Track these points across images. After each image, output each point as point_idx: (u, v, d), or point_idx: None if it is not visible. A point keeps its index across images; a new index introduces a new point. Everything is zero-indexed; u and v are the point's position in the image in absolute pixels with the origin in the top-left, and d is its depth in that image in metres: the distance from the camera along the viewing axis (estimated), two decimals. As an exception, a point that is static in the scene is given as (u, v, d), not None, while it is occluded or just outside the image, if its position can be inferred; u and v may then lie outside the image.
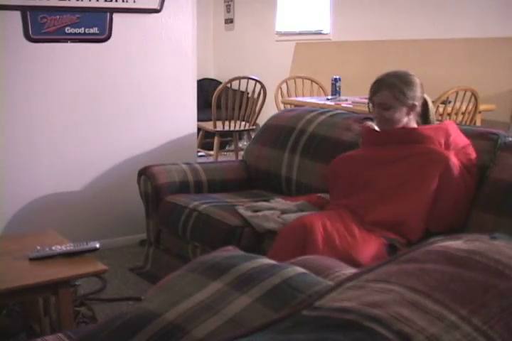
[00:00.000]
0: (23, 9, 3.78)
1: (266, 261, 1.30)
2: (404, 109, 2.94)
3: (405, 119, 2.97)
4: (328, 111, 3.89)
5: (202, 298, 1.19)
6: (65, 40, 3.96)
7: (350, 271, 1.44)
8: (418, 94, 2.96)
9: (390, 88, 2.91)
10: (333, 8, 7.95)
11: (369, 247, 2.68)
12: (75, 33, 3.97)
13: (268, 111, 5.88)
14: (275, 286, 1.19)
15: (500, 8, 6.11)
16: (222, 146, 7.02)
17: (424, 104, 3.06)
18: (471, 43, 6.34)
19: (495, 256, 0.90)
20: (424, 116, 3.07)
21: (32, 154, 3.97)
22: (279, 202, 3.33)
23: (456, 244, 0.96)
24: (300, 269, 1.27)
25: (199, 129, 5.47)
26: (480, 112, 5.42)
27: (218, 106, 6.19)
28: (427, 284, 0.86)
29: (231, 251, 1.45)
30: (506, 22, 6.06)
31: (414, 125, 3.01)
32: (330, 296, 0.93)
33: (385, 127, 3.04)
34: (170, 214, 3.53)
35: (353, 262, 2.53)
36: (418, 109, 3.00)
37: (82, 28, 3.98)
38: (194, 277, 1.29)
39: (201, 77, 8.07)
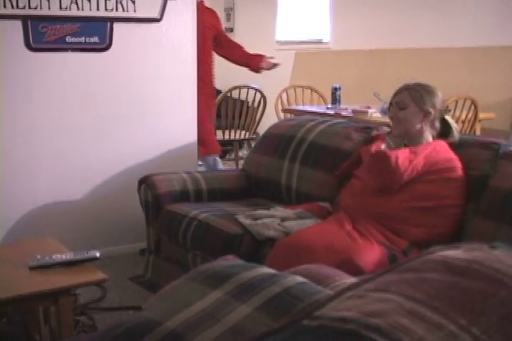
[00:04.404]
0: (24, 18, 3.79)
1: (266, 270, 1.31)
2: (420, 114, 3.02)
3: (418, 126, 3.03)
4: (328, 120, 3.90)
5: (202, 307, 1.20)
6: (66, 50, 3.97)
7: (350, 279, 1.45)
8: (436, 103, 3.04)
9: (410, 90, 3.05)
10: (333, 17, 7.98)
11: (371, 253, 2.69)
12: (76, 42, 3.98)
13: (268, 120, 5.88)
14: (275, 295, 1.19)
15: (499, 17, 6.13)
16: (222, 155, 7.02)
17: (445, 124, 3.11)
18: (470, 52, 6.35)
19: (494, 265, 0.90)
20: (445, 135, 3.10)
21: (32, 162, 3.98)
22: (278, 211, 3.33)
23: (455, 253, 0.96)
24: (300, 278, 1.27)
25: (199, 138, 5.47)
26: (480, 121, 5.43)
27: (218, 115, 6.19)
28: (426, 293, 0.87)
29: (231, 260, 1.45)
30: (505, 31, 6.07)
31: (429, 137, 3.05)
32: (330, 306, 0.94)
33: (396, 129, 3.11)
34: (170, 222, 3.53)
35: (353, 267, 2.54)
36: (433, 119, 3.05)
37: (83, 38, 3.99)
38: (194, 286, 1.29)
39: (201, 86, 8.07)
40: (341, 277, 1.46)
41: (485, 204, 2.84)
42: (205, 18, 5.24)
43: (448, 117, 3.16)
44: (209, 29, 5.28)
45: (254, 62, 5.56)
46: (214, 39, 5.37)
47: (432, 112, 3.02)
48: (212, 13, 5.49)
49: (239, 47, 5.60)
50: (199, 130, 5.21)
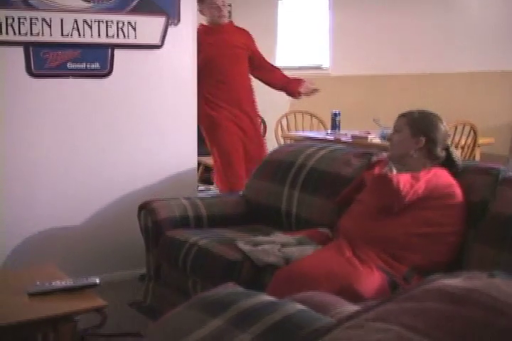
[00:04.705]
0: (26, 45, 3.82)
1: (266, 297, 1.30)
2: (412, 139, 3.05)
3: (410, 150, 3.06)
4: (328, 146, 3.91)
5: (202, 335, 1.19)
6: (67, 76, 3.99)
7: (351, 307, 1.44)
8: (431, 131, 3.05)
9: (408, 115, 3.12)
10: (333, 42, 8.03)
11: (371, 280, 2.69)
12: (77, 68, 4.00)
13: (268, 146, 5.90)
14: (276, 323, 1.19)
15: (498, 43, 6.17)
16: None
17: (449, 156, 3.11)
18: (469, 77, 6.39)
19: (493, 294, 0.90)
20: (450, 164, 3.09)
21: (31, 188, 3.98)
22: (278, 236, 3.32)
23: (454, 281, 0.96)
24: (300, 306, 1.27)
25: (199, 164, 5.47)
26: (479, 146, 5.45)
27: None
28: (426, 323, 0.86)
29: (231, 288, 1.45)
30: (503, 56, 6.12)
31: (427, 164, 3.05)
32: (330, 335, 0.93)
33: (390, 152, 3.19)
34: (170, 248, 3.52)
35: (354, 293, 2.54)
36: (429, 146, 3.05)
37: (84, 64, 4.01)
38: (195, 314, 1.29)
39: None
40: (341, 304, 1.46)
41: (485, 230, 2.83)
42: (236, 37, 5.15)
43: (453, 149, 3.15)
44: (241, 49, 5.13)
45: (293, 86, 5.33)
46: (249, 60, 5.20)
47: (423, 139, 3.03)
48: (243, 32, 5.30)
49: (277, 70, 5.39)
50: (227, 165, 5.13)
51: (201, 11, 5.05)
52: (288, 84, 5.35)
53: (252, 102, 5.25)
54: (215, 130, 5.05)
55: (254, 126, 5.27)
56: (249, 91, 5.24)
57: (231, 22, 5.24)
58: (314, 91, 5.39)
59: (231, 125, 5.08)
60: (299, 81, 5.36)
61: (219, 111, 5.04)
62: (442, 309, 0.89)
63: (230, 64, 5.05)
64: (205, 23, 5.15)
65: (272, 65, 5.44)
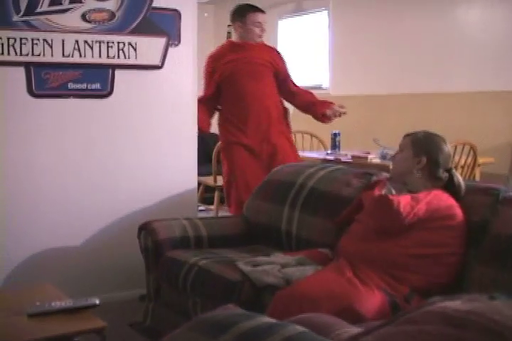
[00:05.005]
0: (27, 65, 3.84)
1: (266, 319, 1.30)
2: (413, 159, 3.07)
3: (410, 170, 3.08)
4: (328, 166, 3.91)
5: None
6: (68, 96, 4.00)
7: (351, 328, 1.44)
8: (432, 152, 3.07)
9: (413, 135, 3.14)
10: (333, 62, 8.06)
11: (372, 300, 2.67)
12: (78, 89, 4.02)
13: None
14: (275, 345, 1.19)
15: (496, 63, 6.20)
16: (222, 201, 7.00)
17: (451, 179, 3.09)
18: (468, 97, 6.41)
19: (493, 316, 0.89)
20: (452, 191, 3.06)
21: (31, 208, 3.98)
22: (278, 257, 3.32)
23: (454, 304, 0.96)
24: (301, 328, 1.27)
25: (199, 184, 5.46)
26: (479, 165, 5.46)
27: (219, 161, 6.20)
28: (426, 346, 0.86)
29: (231, 310, 1.45)
30: (502, 76, 6.14)
31: (428, 184, 3.05)
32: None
33: (392, 170, 3.26)
34: (170, 269, 3.52)
35: (354, 313, 2.53)
36: (430, 167, 3.06)
37: (85, 84, 4.03)
38: (195, 336, 1.28)
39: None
40: (341, 326, 1.45)
41: (485, 250, 2.82)
42: (262, 55, 5.07)
43: (455, 172, 3.14)
44: (264, 66, 5.04)
45: (318, 109, 5.12)
46: (276, 78, 5.09)
47: (425, 159, 3.05)
48: (271, 50, 5.23)
49: (303, 92, 5.24)
50: (230, 186, 5.07)
51: (239, 28, 5.04)
52: (312, 107, 5.19)
53: (277, 122, 5.07)
54: (229, 153, 5.04)
55: (273, 146, 5.03)
56: (274, 110, 5.06)
57: (262, 41, 5.20)
58: (341, 114, 5.19)
59: (242, 151, 5.00)
60: (325, 104, 5.19)
61: (235, 134, 4.98)
62: (442, 332, 0.88)
63: (249, 81, 4.96)
64: (233, 40, 5.18)
65: (298, 87, 5.29)
